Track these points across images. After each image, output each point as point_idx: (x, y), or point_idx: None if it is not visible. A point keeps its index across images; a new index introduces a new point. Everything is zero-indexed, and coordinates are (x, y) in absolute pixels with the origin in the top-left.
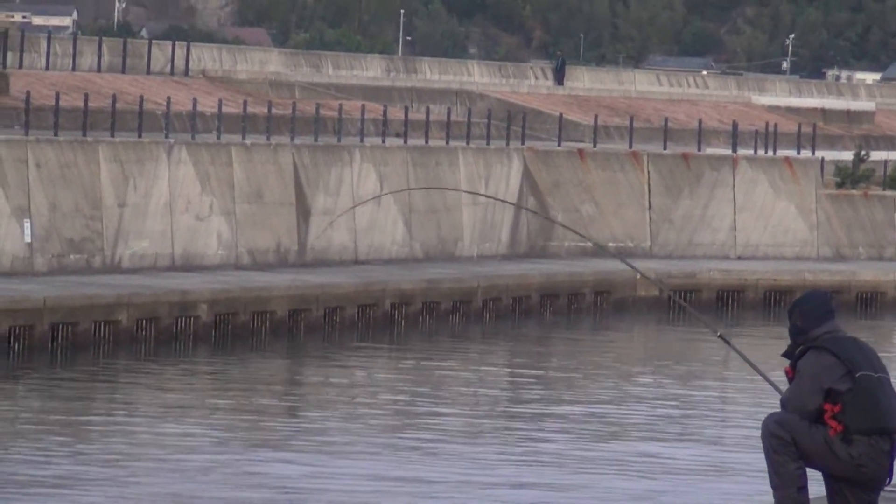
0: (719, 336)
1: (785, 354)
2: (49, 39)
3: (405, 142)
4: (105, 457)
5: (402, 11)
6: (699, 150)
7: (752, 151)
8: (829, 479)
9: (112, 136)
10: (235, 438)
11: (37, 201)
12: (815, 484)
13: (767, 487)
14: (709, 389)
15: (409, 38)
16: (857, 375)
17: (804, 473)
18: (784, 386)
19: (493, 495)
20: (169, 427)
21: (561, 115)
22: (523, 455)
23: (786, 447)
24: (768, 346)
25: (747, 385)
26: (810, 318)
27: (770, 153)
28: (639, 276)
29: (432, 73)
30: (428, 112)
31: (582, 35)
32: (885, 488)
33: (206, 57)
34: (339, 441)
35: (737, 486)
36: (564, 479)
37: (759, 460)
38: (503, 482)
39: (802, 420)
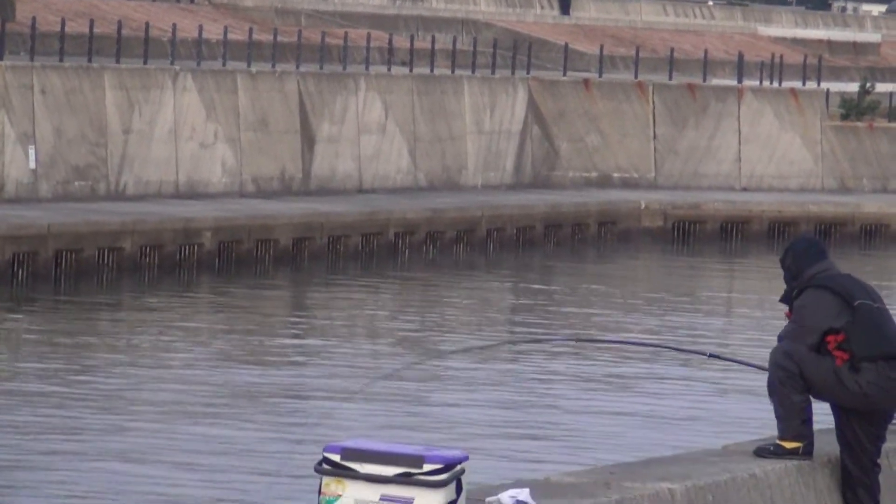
0: (709, 355)
1: (782, 300)
2: None
3: (410, 70)
4: (107, 380)
5: None
6: (704, 80)
7: (757, 83)
8: (838, 412)
9: (117, 62)
10: (238, 361)
11: (42, 127)
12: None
13: (772, 415)
14: (713, 316)
15: None
16: (856, 304)
17: (809, 406)
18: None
19: (495, 416)
20: (171, 352)
21: (566, 44)
22: (526, 377)
23: (792, 379)
24: (772, 277)
25: (753, 313)
26: (803, 259)
27: (775, 84)
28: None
29: (438, 2)
30: (433, 41)
31: None
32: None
33: None
34: (341, 364)
35: (739, 410)
36: (566, 401)
37: (762, 387)
38: (506, 402)
39: (810, 351)
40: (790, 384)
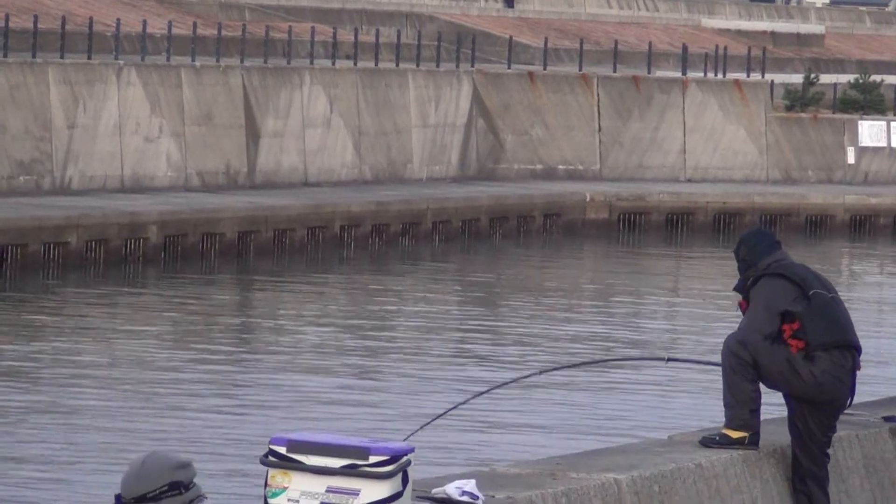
0: (668, 360)
1: (736, 288)
2: None
3: (355, 64)
4: (52, 372)
5: None
6: (649, 72)
7: (701, 74)
8: (791, 402)
9: (61, 57)
10: (183, 354)
11: None
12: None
13: (718, 403)
14: (658, 305)
15: None
16: (811, 293)
17: (759, 396)
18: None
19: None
20: (117, 346)
21: (511, 37)
22: (470, 369)
23: (744, 367)
24: (718, 268)
25: (697, 304)
26: (757, 250)
27: (720, 76)
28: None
29: None
30: (377, 35)
31: None
32: (845, 412)
33: None
34: (290, 359)
35: (686, 401)
36: (512, 392)
37: (708, 379)
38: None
39: (765, 340)
40: (742, 372)
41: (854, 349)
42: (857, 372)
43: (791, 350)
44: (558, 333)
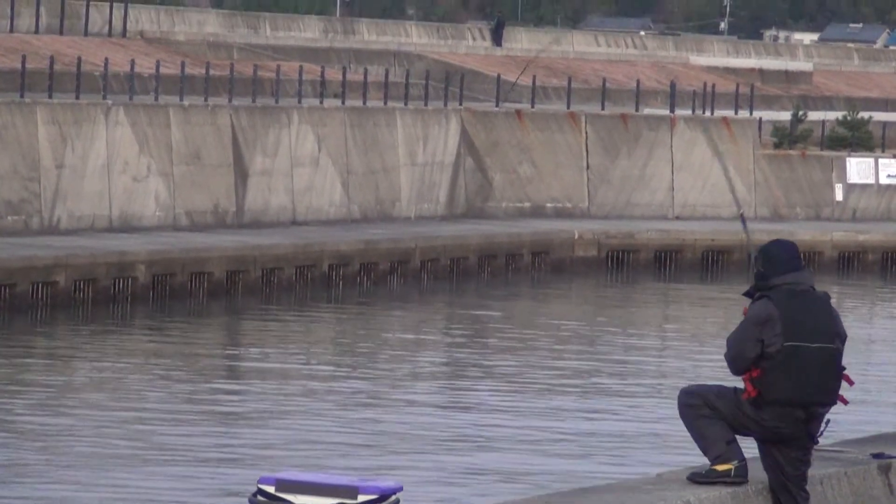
0: (741, 214)
1: (746, 294)
2: None
3: (343, 103)
4: (40, 415)
5: None
6: (637, 110)
7: (690, 111)
8: (758, 441)
9: (50, 97)
10: (172, 393)
11: None
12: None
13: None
14: (647, 338)
15: None
16: (785, 345)
17: (730, 430)
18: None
19: (431, 445)
20: (105, 386)
21: (499, 75)
22: (463, 407)
23: (701, 410)
24: (706, 305)
25: (686, 337)
26: (773, 265)
27: (708, 113)
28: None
29: (370, 34)
30: (366, 73)
31: None
32: (823, 448)
33: (143, 18)
34: (279, 397)
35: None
36: (501, 430)
37: None
38: (441, 432)
39: (711, 387)
40: (702, 416)
41: (811, 406)
42: (825, 417)
43: (742, 395)
44: (546, 366)
